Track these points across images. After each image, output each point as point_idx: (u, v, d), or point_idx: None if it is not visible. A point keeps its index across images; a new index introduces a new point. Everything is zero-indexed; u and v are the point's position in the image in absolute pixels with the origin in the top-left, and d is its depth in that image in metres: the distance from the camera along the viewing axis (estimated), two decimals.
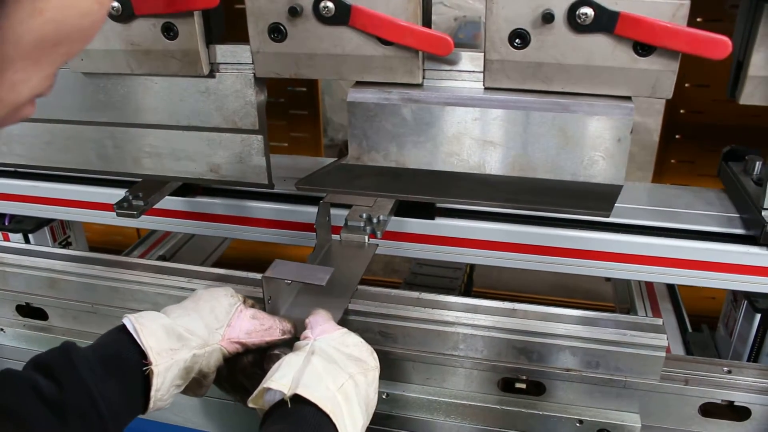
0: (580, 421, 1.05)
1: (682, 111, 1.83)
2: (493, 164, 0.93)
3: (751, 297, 1.34)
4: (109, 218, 1.52)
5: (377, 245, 1.24)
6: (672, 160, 1.93)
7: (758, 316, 1.32)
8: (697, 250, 1.28)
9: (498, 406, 1.08)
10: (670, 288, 1.74)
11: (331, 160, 1.65)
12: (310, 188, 1.06)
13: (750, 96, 0.81)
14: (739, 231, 1.29)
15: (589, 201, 0.90)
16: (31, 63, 0.44)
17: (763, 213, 1.22)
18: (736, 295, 1.42)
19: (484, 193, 0.94)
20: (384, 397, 1.11)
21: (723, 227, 1.30)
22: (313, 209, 1.28)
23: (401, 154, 0.96)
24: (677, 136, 1.88)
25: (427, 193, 0.98)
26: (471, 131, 0.91)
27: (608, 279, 2.01)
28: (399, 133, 0.94)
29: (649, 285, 1.76)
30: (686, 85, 1.78)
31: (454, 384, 1.11)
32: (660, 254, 1.31)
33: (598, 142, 0.88)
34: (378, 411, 1.12)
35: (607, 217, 0.91)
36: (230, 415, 1.23)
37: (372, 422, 1.14)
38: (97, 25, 0.47)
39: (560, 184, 0.91)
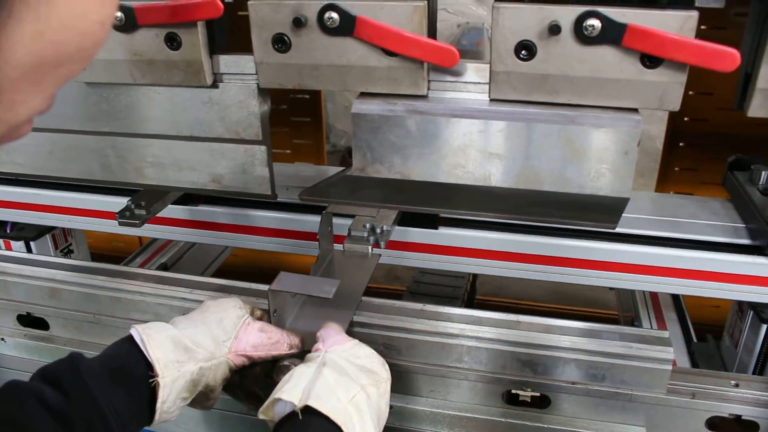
0: None
1: (685, 119, 1.82)
2: (499, 176, 0.92)
3: (757, 307, 1.33)
4: (111, 226, 1.51)
5: (380, 255, 1.23)
6: (675, 168, 1.92)
7: (764, 327, 1.32)
8: (703, 260, 1.27)
9: (502, 419, 1.07)
10: (675, 297, 1.73)
11: (334, 167, 1.65)
12: (314, 199, 1.05)
13: (758, 108, 0.80)
14: (745, 241, 1.28)
15: (596, 213, 0.89)
16: (32, 84, 0.44)
17: None
18: (742, 306, 1.41)
19: (489, 205, 0.94)
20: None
21: (728, 237, 1.29)
22: (316, 218, 1.27)
23: (406, 166, 0.95)
24: (681, 144, 1.87)
25: (432, 204, 0.98)
26: (476, 143, 0.91)
27: (612, 288, 2.01)
28: (403, 144, 0.94)
29: (654, 294, 1.75)
30: (690, 92, 1.77)
31: (458, 396, 1.10)
32: (665, 264, 1.30)
33: (605, 155, 0.87)
34: None
35: (614, 229, 0.90)
36: (234, 427, 1.23)
37: None
38: (99, 45, 0.46)
39: (566, 197, 0.90)
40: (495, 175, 0.92)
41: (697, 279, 1.30)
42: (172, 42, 1.00)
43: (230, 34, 1.06)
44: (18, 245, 1.70)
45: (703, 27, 1.67)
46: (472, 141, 0.91)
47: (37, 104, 0.46)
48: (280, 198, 1.36)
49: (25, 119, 0.46)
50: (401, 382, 1.11)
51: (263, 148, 1.09)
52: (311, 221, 1.40)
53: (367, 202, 1.01)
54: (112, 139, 1.17)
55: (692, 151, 1.87)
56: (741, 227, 1.32)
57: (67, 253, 1.83)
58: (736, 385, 1.03)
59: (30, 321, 1.32)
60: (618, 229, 1.29)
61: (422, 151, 0.93)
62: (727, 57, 0.74)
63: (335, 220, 1.28)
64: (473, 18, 3.13)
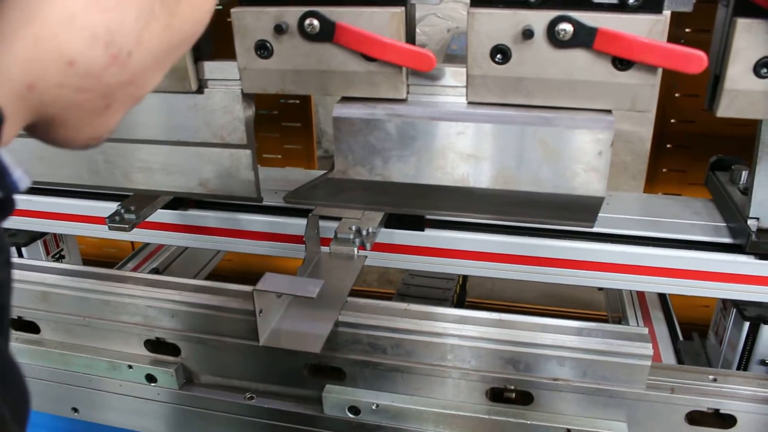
0: (568, 431, 1.05)
1: (672, 120, 1.84)
2: (477, 177, 0.94)
3: (740, 305, 1.35)
4: (102, 231, 1.52)
5: (366, 257, 1.25)
6: (663, 169, 1.94)
7: (747, 324, 1.33)
8: (686, 259, 1.29)
9: (486, 416, 1.08)
10: (662, 297, 1.75)
11: (323, 172, 1.67)
12: (298, 201, 1.07)
13: (726, 109, 0.82)
14: (726, 240, 1.30)
15: (573, 212, 0.91)
16: (159, 66, 0.52)
17: (749, 222, 1.24)
18: (726, 304, 1.43)
19: (469, 205, 0.95)
20: (373, 408, 1.12)
21: (710, 236, 1.31)
22: (304, 221, 1.29)
23: (386, 168, 0.97)
24: (668, 146, 1.89)
25: (413, 206, 0.99)
26: (455, 145, 0.93)
27: (600, 288, 2.02)
28: (384, 147, 0.95)
29: (641, 294, 1.77)
30: (677, 95, 1.80)
31: (442, 394, 1.11)
32: (649, 263, 1.31)
33: (580, 155, 0.89)
34: (367, 422, 1.13)
35: (591, 227, 0.92)
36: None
37: None
38: (204, 28, 0.55)
39: (543, 197, 0.92)
40: (474, 176, 0.94)
41: (680, 278, 1.31)
42: None
43: (220, 40, 1.07)
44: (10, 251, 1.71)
45: (687, 30, 1.70)
46: (450, 143, 0.93)
47: (158, 80, 0.54)
48: (269, 201, 1.38)
49: (148, 92, 0.54)
50: (386, 381, 1.12)
51: (248, 152, 1.11)
52: (299, 224, 1.42)
53: (350, 204, 1.03)
54: (101, 145, 1.18)
55: (679, 152, 1.89)
56: (722, 226, 1.34)
57: (59, 258, 1.84)
58: (714, 380, 1.04)
59: (21, 325, 1.33)
60: (604, 230, 1.32)
61: (402, 154, 0.95)
62: (694, 59, 0.76)
63: (322, 223, 1.30)
64: (463, 23, 3.16)
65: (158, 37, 0.50)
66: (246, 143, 1.10)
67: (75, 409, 1.34)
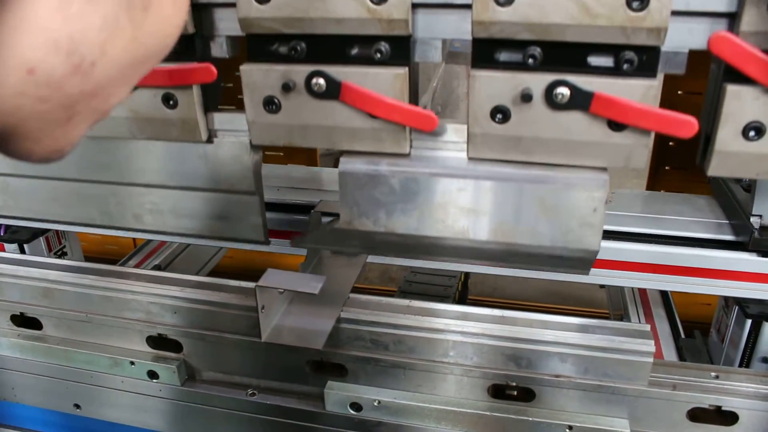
0: (570, 427, 1.05)
1: None
2: (477, 230, 0.96)
3: (742, 303, 1.35)
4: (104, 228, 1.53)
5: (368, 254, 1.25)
6: (666, 167, 1.94)
7: (749, 322, 1.33)
8: (688, 256, 1.29)
9: (488, 413, 1.08)
10: (663, 294, 1.75)
11: (327, 169, 1.67)
12: (304, 246, 1.12)
13: (717, 168, 0.83)
14: (729, 237, 1.30)
15: (568, 261, 0.94)
16: (124, 79, 0.51)
17: (752, 219, 1.24)
18: (728, 301, 1.43)
19: (469, 254, 0.99)
20: (375, 404, 1.12)
21: (713, 234, 1.31)
22: (306, 218, 1.29)
23: (390, 221, 0.99)
24: (670, 143, 1.89)
25: (416, 254, 1.04)
26: (456, 200, 0.95)
27: (602, 286, 2.03)
28: (387, 201, 0.97)
29: (642, 291, 1.77)
30: (679, 92, 1.80)
31: (444, 391, 1.11)
32: (651, 261, 1.31)
33: (575, 212, 0.91)
34: (369, 418, 1.13)
35: (586, 275, 0.96)
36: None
37: (364, 430, 1.15)
38: (174, 43, 0.54)
39: (539, 249, 0.95)
40: (473, 229, 0.97)
41: (682, 275, 1.31)
42: (169, 101, 1.02)
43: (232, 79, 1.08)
44: (11, 248, 1.71)
45: None
46: (451, 198, 0.95)
47: (124, 94, 0.52)
48: (270, 198, 1.38)
49: (113, 107, 0.53)
50: (389, 378, 1.12)
51: (256, 198, 1.12)
52: (301, 221, 1.42)
53: (355, 249, 1.09)
54: (113, 188, 1.20)
55: (682, 150, 1.89)
56: (725, 223, 1.34)
57: (61, 255, 1.84)
58: (716, 377, 1.04)
59: (23, 321, 1.33)
60: (606, 227, 1.31)
61: (405, 207, 0.97)
62: (685, 125, 0.78)
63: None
64: None
65: (124, 49, 0.48)
66: (254, 190, 1.10)
67: (77, 405, 1.35)
